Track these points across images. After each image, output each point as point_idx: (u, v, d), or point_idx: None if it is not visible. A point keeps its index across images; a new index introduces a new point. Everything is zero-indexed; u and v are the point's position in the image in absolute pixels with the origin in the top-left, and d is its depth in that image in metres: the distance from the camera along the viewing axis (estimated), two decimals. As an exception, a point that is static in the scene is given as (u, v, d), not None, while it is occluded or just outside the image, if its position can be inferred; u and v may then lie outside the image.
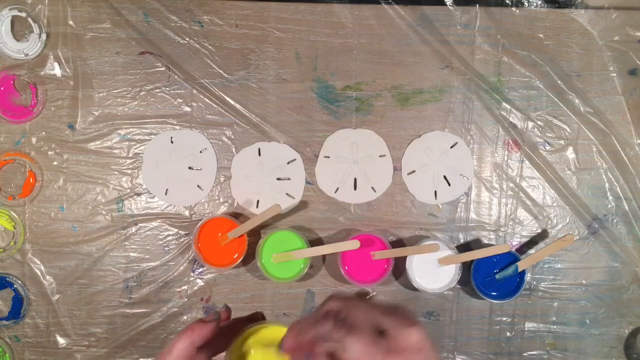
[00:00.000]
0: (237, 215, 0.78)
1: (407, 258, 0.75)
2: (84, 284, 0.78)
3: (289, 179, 0.79)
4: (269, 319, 0.81)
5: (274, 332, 0.49)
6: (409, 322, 0.37)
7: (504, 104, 0.79)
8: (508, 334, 0.80)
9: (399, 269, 0.77)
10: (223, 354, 0.47)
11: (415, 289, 0.76)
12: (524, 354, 0.80)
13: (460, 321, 0.80)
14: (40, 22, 0.76)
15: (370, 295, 0.40)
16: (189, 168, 0.78)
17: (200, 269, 0.79)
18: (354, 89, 0.79)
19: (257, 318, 0.50)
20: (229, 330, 0.49)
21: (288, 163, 0.79)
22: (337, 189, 0.79)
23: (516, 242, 0.80)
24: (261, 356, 0.48)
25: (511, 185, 0.80)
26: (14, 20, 0.76)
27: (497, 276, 0.75)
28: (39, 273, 0.78)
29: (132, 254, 0.78)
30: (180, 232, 0.78)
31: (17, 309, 0.77)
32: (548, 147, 0.80)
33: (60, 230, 0.78)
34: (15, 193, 0.77)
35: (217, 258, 0.75)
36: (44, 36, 0.76)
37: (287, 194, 0.79)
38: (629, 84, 0.79)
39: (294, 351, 0.39)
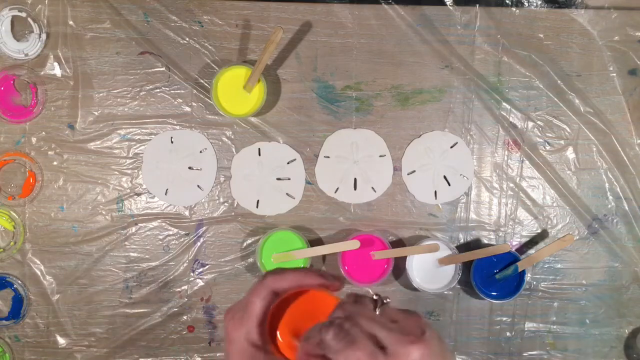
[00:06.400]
0: (237, 215, 0.78)
1: (407, 258, 0.75)
2: (84, 284, 0.78)
3: (289, 179, 0.79)
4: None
5: (240, 71, 0.73)
6: (412, 338, 0.35)
7: (504, 104, 0.79)
8: (508, 334, 0.80)
9: (399, 269, 0.77)
10: None
11: (415, 289, 0.76)
12: (524, 354, 0.80)
13: (460, 321, 0.80)
14: (40, 22, 0.76)
15: (385, 302, 0.37)
16: (189, 168, 0.78)
17: (200, 269, 0.79)
18: (354, 89, 0.79)
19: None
20: None
21: (288, 163, 0.79)
22: (337, 189, 0.79)
23: (516, 242, 0.80)
24: (232, 91, 0.74)
25: (511, 185, 0.80)
26: (14, 20, 0.76)
27: (497, 276, 0.75)
28: (39, 273, 0.77)
29: (132, 254, 0.78)
30: (180, 232, 0.78)
31: (17, 309, 0.77)
32: (548, 147, 0.80)
33: (60, 230, 0.78)
34: (15, 193, 0.77)
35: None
36: (44, 36, 0.76)
37: (287, 194, 0.79)
38: (629, 84, 0.79)
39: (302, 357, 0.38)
